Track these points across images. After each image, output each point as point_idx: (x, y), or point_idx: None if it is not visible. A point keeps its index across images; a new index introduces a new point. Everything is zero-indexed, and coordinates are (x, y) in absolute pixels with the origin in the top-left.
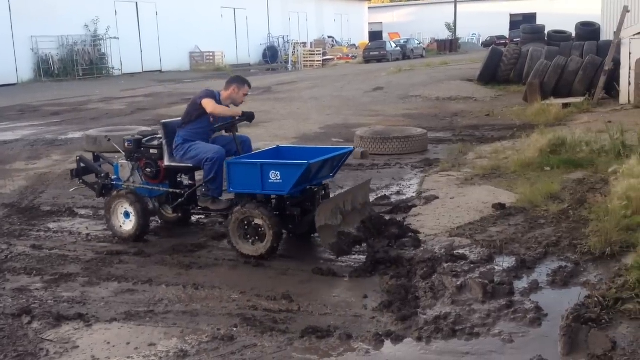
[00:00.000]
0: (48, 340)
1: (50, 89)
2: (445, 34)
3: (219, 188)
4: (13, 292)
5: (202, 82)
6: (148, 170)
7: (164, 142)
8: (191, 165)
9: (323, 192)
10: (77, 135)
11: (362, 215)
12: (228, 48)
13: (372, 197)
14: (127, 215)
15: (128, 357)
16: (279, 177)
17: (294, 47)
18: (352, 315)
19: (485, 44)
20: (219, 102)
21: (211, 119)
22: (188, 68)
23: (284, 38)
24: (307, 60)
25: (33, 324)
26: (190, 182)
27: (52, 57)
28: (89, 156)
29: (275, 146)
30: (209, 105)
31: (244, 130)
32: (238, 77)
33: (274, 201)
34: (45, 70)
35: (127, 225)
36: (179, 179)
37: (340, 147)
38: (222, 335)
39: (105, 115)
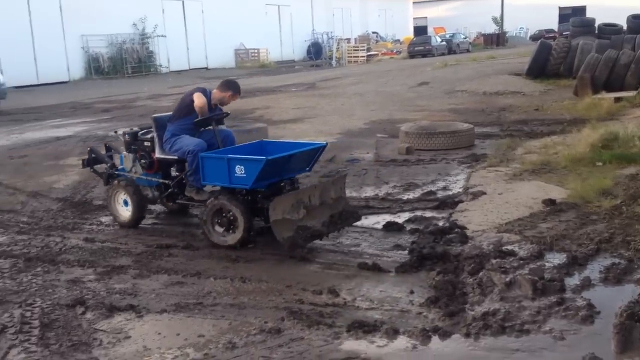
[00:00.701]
0: (101, 330)
1: (100, 86)
2: (492, 28)
3: (200, 179)
4: (67, 283)
5: (246, 79)
6: (143, 161)
7: (155, 135)
8: (177, 157)
9: (291, 187)
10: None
11: (333, 209)
12: (272, 45)
13: (418, 193)
14: (125, 203)
15: (179, 348)
16: (243, 171)
17: (338, 43)
18: (399, 310)
19: (534, 38)
20: (209, 100)
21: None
22: (233, 65)
23: (327, 34)
24: (351, 56)
25: (87, 314)
26: (177, 173)
27: (102, 55)
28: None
29: (258, 141)
30: (199, 99)
31: (298, 126)
32: (236, 85)
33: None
34: (96, 68)
35: (126, 212)
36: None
37: (311, 143)
38: (270, 328)
39: (153, 111)
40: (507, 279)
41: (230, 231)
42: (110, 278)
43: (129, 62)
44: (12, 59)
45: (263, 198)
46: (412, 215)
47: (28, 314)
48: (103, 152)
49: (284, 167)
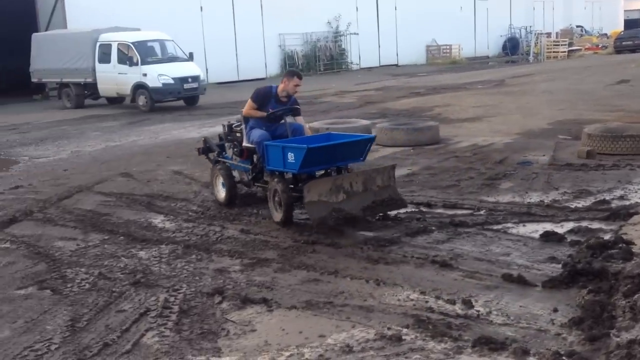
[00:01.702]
0: (231, 321)
1: None
2: None
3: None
4: (214, 272)
5: (435, 76)
6: (235, 149)
7: (243, 127)
8: (254, 146)
9: (337, 174)
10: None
11: (377, 196)
12: (466, 40)
13: (589, 201)
14: (223, 185)
15: (297, 346)
16: (293, 158)
17: (537, 38)
18: (536, 329)
19: None
20: (275, 95)
21: (270, 110)
22: (424, 61)
23: (526, 29)
24: (550, 52)
25: (222, 304)
26: (256, 161)
27: (296, 53)
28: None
29: (326, 133)
30: (246, 107)
31: (474, 125)
32: (289, 70)
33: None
34: (291, 65)
35: (222, 192)
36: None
37: (360, 135)
38: (391, 335)
39: (335, 108)
40: None
41: (280, 209)
42: (253, 270)
43: (321, 59)
44: (217, 57)
45: None
46: (576, 225)
47: (172, 299)
48: (216, 141)
49: (332, 156)
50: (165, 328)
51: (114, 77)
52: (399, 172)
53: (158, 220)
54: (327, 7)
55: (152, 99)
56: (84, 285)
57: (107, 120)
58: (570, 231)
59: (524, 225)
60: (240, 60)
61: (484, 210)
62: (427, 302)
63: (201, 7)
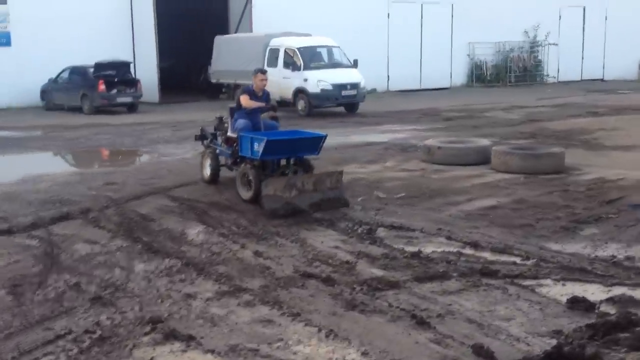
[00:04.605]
0: (132, 357)
1: (474, 94)
2: None
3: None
4: (182, 296)
5: (634, 94)
6: (222, 137)
7: (229, 120)
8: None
9: (300, 163)
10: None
11: (323, 195)
12: None
13: None
14: (210, 165)
15: None
16: (258, 147)
17: None
18: None
19: None
20: (252, 91)
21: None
22: (635, 77)
23: None
24: None
25: (148, 335)
26: (237, 147)
27: (485, 63)
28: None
29: (294, 129)
30: (242, 100)
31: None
32: (255, 69)
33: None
34: (478, 75)
35: (208, 171)
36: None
37: (314, 133)
38: None
39: (490, 124)
40: None
41: (249, 189)
42: (219, 300)
43: (513, 70)
44: (400, 65)
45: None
46: (622, 293)
47: (107, 322)
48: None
49: (290, 148)
50: (65, 356)
51: (278, 81)
52: (483, 203)
53: (194, 231)
54: (524, 16)
55: (310, 104)
56: (50, 295)
57: None
58: (609, 300)
59: (562, 285)
60: (424, 69)
61: (532, 260)
62: None
63: (388, 14)
